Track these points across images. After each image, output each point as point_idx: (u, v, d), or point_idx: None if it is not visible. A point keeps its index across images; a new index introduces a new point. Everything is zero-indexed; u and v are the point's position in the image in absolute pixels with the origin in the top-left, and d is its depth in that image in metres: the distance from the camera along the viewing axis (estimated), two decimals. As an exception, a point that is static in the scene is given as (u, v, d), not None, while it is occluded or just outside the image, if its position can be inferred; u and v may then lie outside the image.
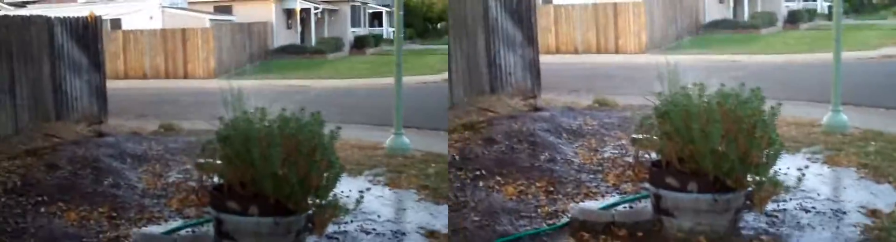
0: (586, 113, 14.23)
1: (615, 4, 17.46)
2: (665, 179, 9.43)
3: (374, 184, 11.40)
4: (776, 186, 9.46)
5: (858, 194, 10.45)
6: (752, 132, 9.20)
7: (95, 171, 11.42)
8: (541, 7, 17.03)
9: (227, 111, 10.37)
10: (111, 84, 15.48)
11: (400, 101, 13.34)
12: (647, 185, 9.94)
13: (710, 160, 9.18)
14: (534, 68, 14.99)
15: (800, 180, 9.69)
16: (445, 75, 14.58)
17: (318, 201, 8.87)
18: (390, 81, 16.29)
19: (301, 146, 8.77)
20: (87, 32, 14.66)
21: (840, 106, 13.15)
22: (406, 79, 14.33)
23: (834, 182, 10.94)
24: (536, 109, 14.26)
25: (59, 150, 12.28)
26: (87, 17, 14.67)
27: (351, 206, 9.20)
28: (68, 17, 14.34)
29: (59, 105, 14.00)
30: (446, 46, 15.46)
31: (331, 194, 8.91)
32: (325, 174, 8.87)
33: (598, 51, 17.52)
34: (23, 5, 19.41)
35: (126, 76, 17.08)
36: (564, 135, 12.91)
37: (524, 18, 14.90)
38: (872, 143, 12.31)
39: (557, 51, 17.52)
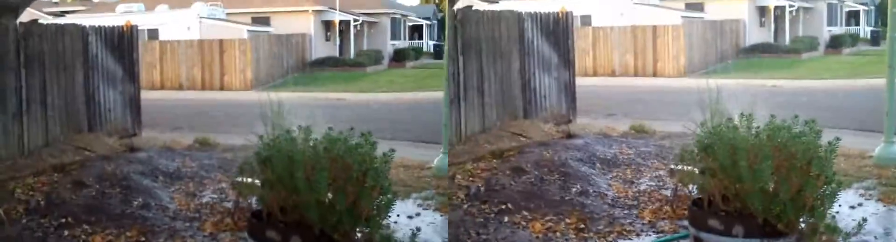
0: (622, 141, 13.12)
1: (654, 27, 16.44)
2: (708, 220, 8.36)
3: (424, 209, 10.27)
4: (833, 232, 8.28)
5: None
6: (807, 170, 8.04)
7: (125, 190, 10.26)
8: (579, 29, 16.02)
9: (266, 128, 9.35)
10: (146, 95, 14.56)
11: (448, 118, 12.19)
12: (686, 224, 8.89)
13: (758, 200, 8.05)
14: (570, 92, 13.97)
15: (860, 226, 8.54)
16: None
17: (367, 231, 7.78)
18: (432, 95, 15.34)
19: (350, 171, 7.66)
20: (123, 42, 13.62)
21: (894, 137, 11.90)
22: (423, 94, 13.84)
23: (891, 223, 9.66)
24: (570, 136, 13.16)
25: (88, 166, 11.13)
26: (122, 27, 13.63)
27: (407, 240, 8.16)
28: (103, 26, 13.30)
29: (91, 117, 12.95)
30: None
31: (383, 223, 7.85)
32: (377, 202, 7.82)
33: (636, 74, 16.50)
34: (61, 15, 18.62)
35: (162, 87, 16.20)
36: (598, 165, 11.75)
37: (561, 40, 13.91)
38: (930, 178, 11.14)
39: (595, 73, 16.50)
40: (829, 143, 8.16)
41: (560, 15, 13.90)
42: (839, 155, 11.54)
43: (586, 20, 16.68)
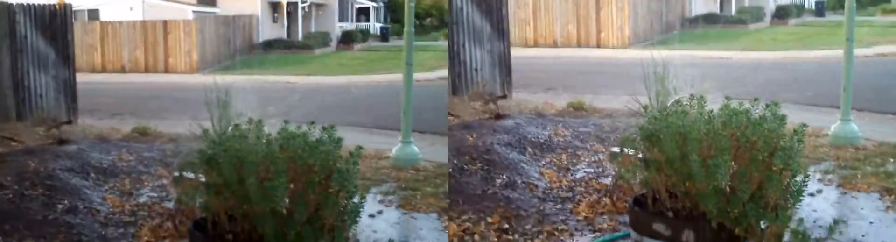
0: (559, 120, 11.45)
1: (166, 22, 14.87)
2: (652, 224, 6.78)
3: (386, 206, 8.66)
4: (801, 239, 6.80)
5: (890, 231, 7.56)
6: (769, 164, 6.46)
7: (49, 190, 8.41)
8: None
9: (212, 119, 7.74)
10: (87, 78, 13.00)
11: (409, 104, 10.57)
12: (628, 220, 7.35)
13: (713, 200, 6.49)
14: (504, 65, 12.24)
15: (832, 230, 7.15)
16: (440, 73, 12.20)
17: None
18: (383, 78, 14.02)
19: (312, 174, 6.03)
20: (55, 22, 11.85)
21: (850, 114, 10.48)
22: (399, 76, 11.87)
23: (856, 214, 8.01)
24: (498, 116, 11.42)
25: (8, 161, 9.28)
26: (55, 5, 11.86)
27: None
28: (33, 4, 11.51)
29: (20, 103, 11.19)
30: (436, 43, 14.23)
31: (348, 235, 6.21)
32: (341, 209, 6.20)
33: (579, 44, 14.95)
34: (-2, -6, 16.86)
35: (104, 70, 14.51)
36: (529, 150, 10.08)
37: (494, 9, 12.13)
38: (892, 160, 9.59)
39: (535, 44, 14.97)
40: (795, 131, 6.57)
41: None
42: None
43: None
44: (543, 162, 9.78)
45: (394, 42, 17.55)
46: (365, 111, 12.79)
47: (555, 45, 14.97)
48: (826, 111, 11.19)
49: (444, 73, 12.24)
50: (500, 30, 12.25)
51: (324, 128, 6.34)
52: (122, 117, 12.11)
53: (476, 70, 11.91)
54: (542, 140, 10.48)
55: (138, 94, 13.98)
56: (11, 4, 11.31)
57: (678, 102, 7.33)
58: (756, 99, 6.92)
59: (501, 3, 12.26)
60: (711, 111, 6.96)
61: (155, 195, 8.56)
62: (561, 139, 10.64)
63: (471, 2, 11.85)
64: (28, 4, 11.54)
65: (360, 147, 6.27)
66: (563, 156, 9.96)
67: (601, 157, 9.85)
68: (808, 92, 12.02)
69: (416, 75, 13.92)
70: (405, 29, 10.76)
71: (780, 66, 14.28)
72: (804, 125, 6.67)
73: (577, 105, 12.06)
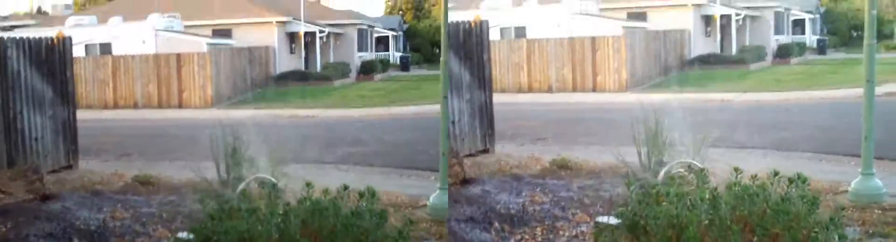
0: (537, 183, 9.29)
1: (593, 39, 13.04)
2: None
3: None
4: None
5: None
6: None
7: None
8: (513, 41, 12.90)
9: (218, 172, 5.94)
10: (96, 115, 11.59)
11: (445, 146, 8.65)
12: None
13: None
14: (486, 116, 10.35)
15: None
16: None
17: None
18: (407, 110, 12.48)
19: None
20: (53, 57, 10.05)
21: (873, 168, 8.48)
22: (426, 108, 10.88)
23: None
24: (465, 181, 9.29)
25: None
26: (52, 39, 10.05)
27: None
28: (26, 37, 9.72)
29: (12, 148, 9.33)
30: None
31: None
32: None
33: (574, 89, 13.04)
34: (10, 29, 15.10)
35: (116, 106, 12.80)
36: (497, 225, 7.97)
37: (475, 55, 10.36)
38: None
39: (530, 89, 13.12)
40: (832, 219, 4.72)
41: (472, 24, 10.46)
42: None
43: (521, 32, 13.33)
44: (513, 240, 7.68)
45: (414, 71, 15.85)
46: (389, 148, 10.93)
47: (549, 90, 13.09)
48: (842, 161, 9.36)
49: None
50: (481, 77, 10.42)
51: (361, 194, 4.43)
52: (129, 158, 10.31)
53: (453, 122, 9.94)
54: (513, 211, 8.40)
55: (149, 132, 12.19)
56: (3, 38, 9.51)
57: (672, 177, 5.47)
58: (777, 173, 5.00)
59: (483, 48, 10.45)
60: (715, 189, 5.01)
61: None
62: (537, 208, 8.53)
63: (451, 49, 10.01)
64: (21, 38, 9.75)
65: (411, 222, 4.33)
66: (539, 231, 7.83)
67: (584, 229, 7.72)
68: (813, 135, 10.09)
69: (428, 107, 12.22)
70: (865, 42, 8.96)
71: (780, 107, 12.38)
72: (842, 209, 4.92)
73: (561, 163, 9.90)
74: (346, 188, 4.56)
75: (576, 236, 7.75)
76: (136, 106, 12.90)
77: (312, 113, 13.18)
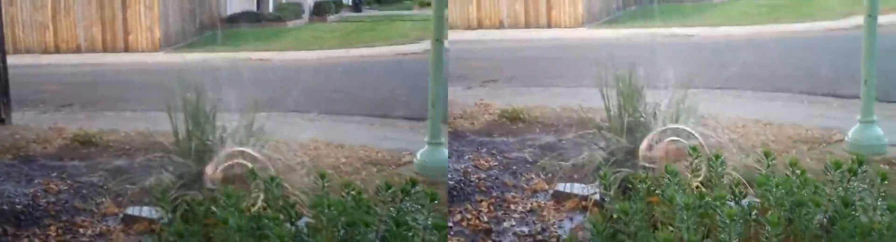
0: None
1: None
2: None
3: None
4: None
5: None
6: None
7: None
8: None
9: (173, 126, 4.50)
10: (35, 60, 10.08)
11: (441, 93, 7.13)
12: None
13: None
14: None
15: None
16: (425, 45, 8.76)
17: None
18: (367, 52, 10.94)
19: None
20: (-24, -3, 8.34)
21: (873, 115, 7.16)
22: (382, 50, 10.15)
23: None
24: None
25: None
26: (-28, -25, 8.35)
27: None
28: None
29: (-68, 101, 7.67)
30: (411, 12, 12.59)
31: None
32: None
33: (105, 49, 11.24)
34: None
35: (57, 50, 11.18)
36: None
37: None
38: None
39: (57, 50, 11.22)
40: None
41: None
42: (796, 141, 7.00)
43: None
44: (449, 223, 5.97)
45: (368, 12, 14.24)
46: (354, 94, 9.42)
47: (78, 50, 11.31)
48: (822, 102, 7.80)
49: (429, 45, 9.06)
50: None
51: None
52: (70, 109, 8.70)
53: None
54: (453, 182, 6.68)
55: (93, 79, 10.58)
56: None
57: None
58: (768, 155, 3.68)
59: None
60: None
61: (90, 253, 5.06)
62: (481, 176, 6.79)
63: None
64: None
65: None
66: (484, 206, 6.22)
67: (541, 201, 6.12)
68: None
69: (402, 48, 10.87)
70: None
71: (320, 65, 11.02)
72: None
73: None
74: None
75: (530, 210, 6.22)
76: (79, 50, 11.32)
77: (267, 56, 11.64)
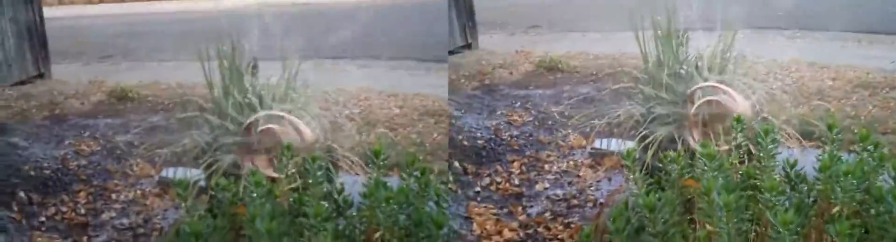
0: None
1: None
2: None
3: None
4: None
5: None
6: None
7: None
8: None
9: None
10: (79, 11, 8.99)
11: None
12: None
13: None
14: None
15: None
16: None
17: None
18: None
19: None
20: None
21: None
22: None
23: None
24: None
25: None
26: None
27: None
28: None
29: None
30: None
31: None
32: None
33: None
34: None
35: (101, 0, 10.37)
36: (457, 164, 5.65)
37: None
38: None
39: None
40: None
41: None
42: (855, 85, 6.14)
43: None
44: (476, 188, 5.43)
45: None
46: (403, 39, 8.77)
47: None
48: (885, 42, 6.89)
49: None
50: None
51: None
52: (112, 60, 8.16)
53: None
54: (481, 141, 6.03)
55: (136, 29, 9.92)
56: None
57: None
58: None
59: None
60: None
61: (126, 222, 4.58)
62: (512, 134, 6.07)
63: None
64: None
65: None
66: (516, 166, 5.53)
67: (579, 159, 5.42)
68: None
69: None
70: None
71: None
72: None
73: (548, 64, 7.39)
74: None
75: (565, 171, 5.54)
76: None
77: (305, 1, 10.92)
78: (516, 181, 5.27)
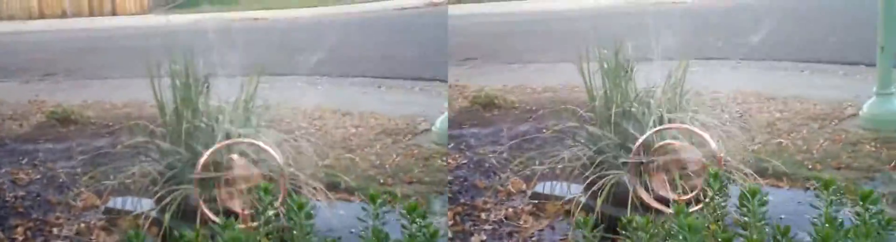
0: None
1: None
2: None
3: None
4: None
5: None
6: None
7: None
8: None
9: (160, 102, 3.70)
10: (18, 27, 8.86)
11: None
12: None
13: None
14: None
15: None
16: None
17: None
18: (371, 7, 9.53)
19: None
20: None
21: (892, 86, 5.96)
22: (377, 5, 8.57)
23: None
24: None
25: None
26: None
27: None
28: None
29: None
30: None
31: None
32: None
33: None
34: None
35: (42, 15, 9.87)
36: None
37: None
38: None
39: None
40: None
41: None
42: (804, 117, 5.81)
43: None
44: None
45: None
46: (363, 52, 8.33)
47: (64, 15, 9.83)
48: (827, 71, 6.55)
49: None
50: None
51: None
52: (54, 78, 7.57)
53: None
54: None
55: (78, 45, 9.41)
56: None
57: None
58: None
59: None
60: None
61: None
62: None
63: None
64: None
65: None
66: None
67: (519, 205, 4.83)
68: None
69: (401, 1, 9.72)
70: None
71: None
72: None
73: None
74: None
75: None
76: (64, 15, 10.03)
77: (262, 15, 10.44)
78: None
